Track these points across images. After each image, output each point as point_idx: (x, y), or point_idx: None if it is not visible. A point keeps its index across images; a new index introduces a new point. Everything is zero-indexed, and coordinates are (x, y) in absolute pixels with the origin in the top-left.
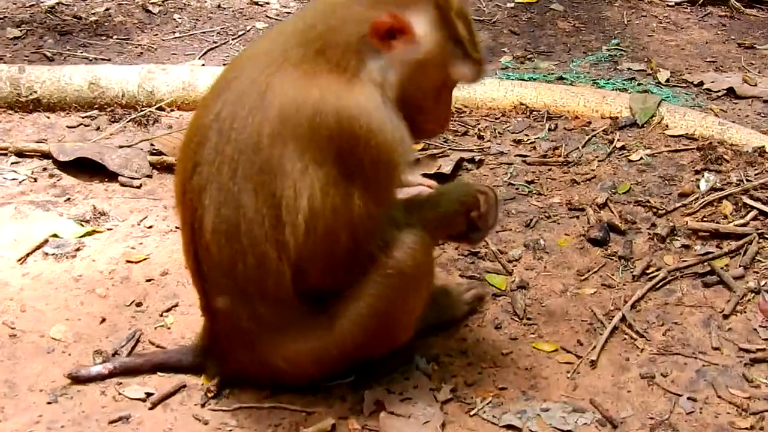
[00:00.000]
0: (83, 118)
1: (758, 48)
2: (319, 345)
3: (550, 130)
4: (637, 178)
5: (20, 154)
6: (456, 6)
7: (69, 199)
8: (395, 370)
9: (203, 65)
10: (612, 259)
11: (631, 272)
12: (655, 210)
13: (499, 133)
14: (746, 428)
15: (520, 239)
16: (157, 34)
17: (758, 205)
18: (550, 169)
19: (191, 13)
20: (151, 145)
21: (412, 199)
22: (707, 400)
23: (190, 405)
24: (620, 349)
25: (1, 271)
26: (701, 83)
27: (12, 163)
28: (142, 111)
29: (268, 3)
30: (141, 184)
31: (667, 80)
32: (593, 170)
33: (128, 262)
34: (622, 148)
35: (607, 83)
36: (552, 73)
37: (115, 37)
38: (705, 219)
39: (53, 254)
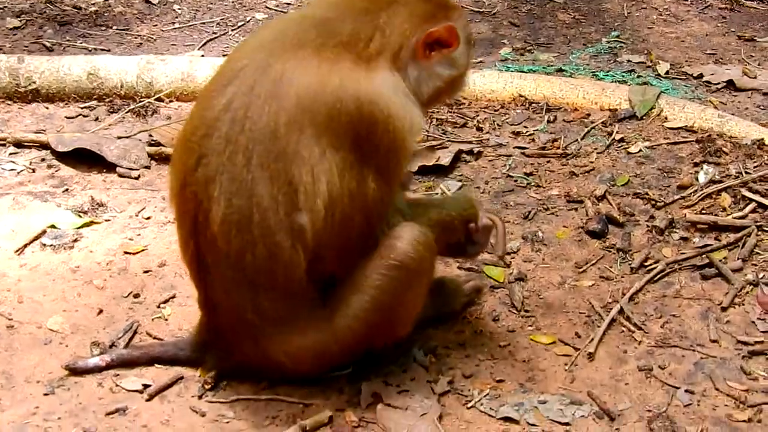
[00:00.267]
0: (82, 108)
1: (758, 40)
2: (321, 338)
3: (549, 122)
4: (636, 171)
5: (19, 144)
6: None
7: (67, 189)
8: (393, 363)
9: (202, 56)
10: (610, 252)
11: (630, 264)
12: (653, 202)
13: (498, 125)
14: (744, 420)
15: (519, 231)
16: (156, 25)
17: (757, 197)
18: (548, 161)
19: (191, 3)
20: (150, 136)
21: (417, 200)
22: (705, 393)
23: (188, 397)
24: (618, 342)
25: None
26: (701, 75)
27: (10, 154)
28: (140, 102)
29: None
30: (139, 175)
31: (667, 72)
32: (592, 162)
33: (126, 253)
34: (621, 140)
35: (607, 75)
36: (551, 65)
37: (114, 27)
38: (704, 211)
39: (51, 245)
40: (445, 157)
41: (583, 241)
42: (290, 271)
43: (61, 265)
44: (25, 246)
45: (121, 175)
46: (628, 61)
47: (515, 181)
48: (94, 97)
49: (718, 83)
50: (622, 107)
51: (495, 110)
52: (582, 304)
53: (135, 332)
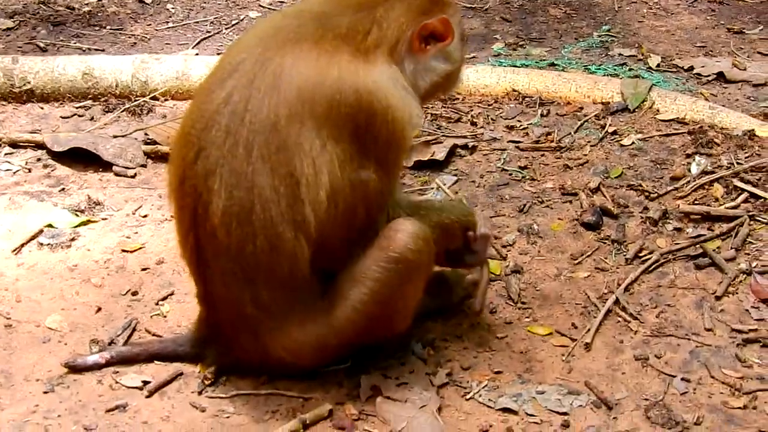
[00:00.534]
0: (77, 108)
1: (747, 33)
2: (320, 331)
3: (542, 115)
4: (629, 163)
5: (14, 144)
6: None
7: (63, 189)
8: (391, 356)
9: (197, 55)
10: (605, 243)
11: (624, 255)
12: (647, 194)
13: (492, 119)
14: (739, 407)
15: (514, 224)
16: (150, 24)
17: (749, 187)
18: (542, 155)
19: (184, 3)
20: (146, 134)
21: (418, 203)
22: (701, 381)
23: (187, 393)
24: (614, 332)
25: None
26: (691, 68)
27: (6, 154)
28: (136, 101)
29: None
30: (135, 174)
31: (658, 65)
32: (585, 155)
33: (123, 251)
34: (614, 132)
35: (599, 69)
36: (544, 60)
37: (108, 27)
38: (696, 202)
39: (48, 244)
40: (440, 152)
41: (578, 233)
42: (294, 263)
43: (58, 264)
44: (23, 245)
45: (117, 174)
46: (620, 54)
47: (510, 174)
48: (89, 96)
49: (709, 75)
50: (615, 100)
51: (489, 105)
52: (578, 295)
53: (134, 329)
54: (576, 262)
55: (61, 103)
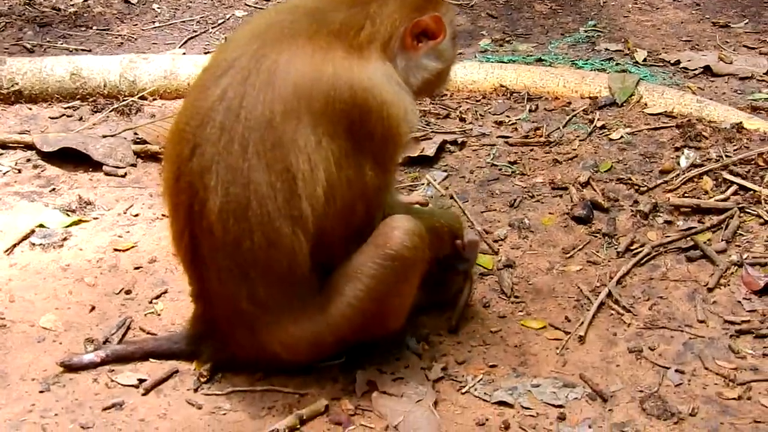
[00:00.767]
0: (65, 108)
1: (732, 26)
2: (315, 326)
3: (530, 111)
4: (618, 157)
5: (3, 145)
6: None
7: (54, 189)
8: (386, 351)
9: (184, 54)
10: (596, 237)
11: (616, 249)
12: (637, 187)
13: (480, 115)
14: (734, 398)
15: (505, 219)
16: (136, 24)
17: (738, 179)
18: (532, 150)
19: (170, 2)
20: (135, 134)
21: (408, 208)
22: (695, 372)
23: (183, 390)
24: (607, 325)
25: None
26: (678, 62)
27: None
28: (124, 100)
29: None
30: (126, 173)
31: (645, 60)
32: (575, 149)
33: (116, 250)
34: (603, 127)
35: (586, 64)
36: (531, 55)
37: (94, 27)
38: (686, 195)
39: (40, 244)
40: (429, 148)
41: (569, 227)
42: (293, 258)
43: (51, 264)
44: (14, 246)
45: (107, 174)
46: (606, 49)
47: (500, 169)
48: (78, 97)
49: (695, 69)
50: (602, 95)
51: (477, 100)
52: (570, 288)
53: (128, 328)
54: (568, 255)
55: (50, 104)
